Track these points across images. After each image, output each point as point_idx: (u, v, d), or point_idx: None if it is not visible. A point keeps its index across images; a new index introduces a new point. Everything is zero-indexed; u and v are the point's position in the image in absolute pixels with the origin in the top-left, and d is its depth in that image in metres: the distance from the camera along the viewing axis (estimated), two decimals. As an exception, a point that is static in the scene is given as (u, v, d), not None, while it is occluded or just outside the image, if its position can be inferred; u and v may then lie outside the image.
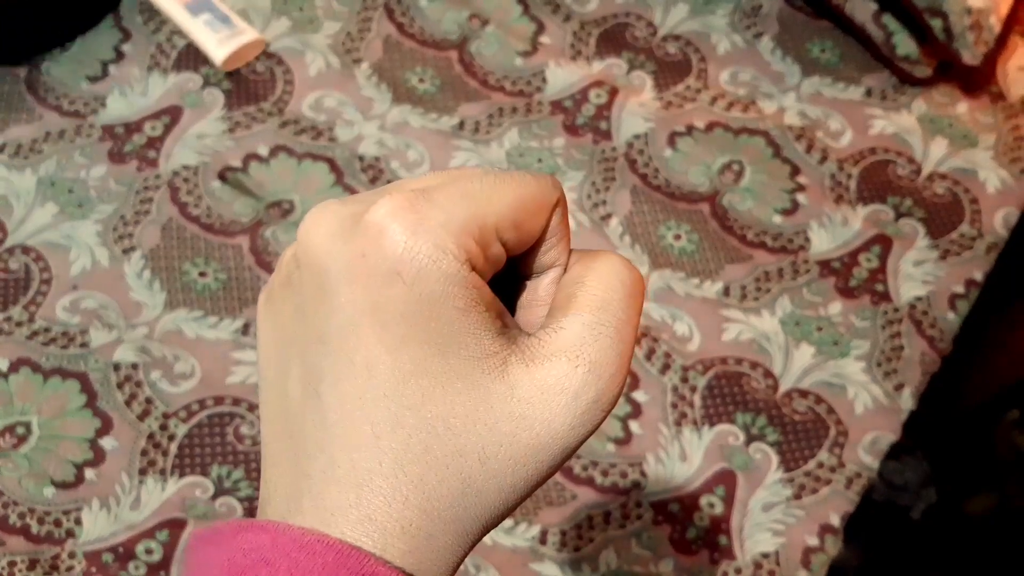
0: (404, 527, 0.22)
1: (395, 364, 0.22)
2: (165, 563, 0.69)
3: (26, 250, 0.81)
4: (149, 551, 0.70)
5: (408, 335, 0.22)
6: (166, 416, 0.74)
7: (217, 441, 0.74)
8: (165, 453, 0.73)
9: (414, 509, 0.22)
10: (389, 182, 0.86)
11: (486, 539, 0.71)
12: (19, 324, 0.77)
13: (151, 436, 0.73)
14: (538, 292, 0.26)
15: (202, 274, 0.80)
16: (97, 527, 0.70)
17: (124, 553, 0.69)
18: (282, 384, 0.25)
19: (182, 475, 0.72)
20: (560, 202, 0.25)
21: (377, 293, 0.22)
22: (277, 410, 0.25)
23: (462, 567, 0.69)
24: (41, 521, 0.70)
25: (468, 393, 0.23)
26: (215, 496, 0.72)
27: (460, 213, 0.23)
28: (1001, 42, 0.93)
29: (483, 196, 0.23)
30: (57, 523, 0.70)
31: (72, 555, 0.69)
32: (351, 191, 0.85)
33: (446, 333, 0.23)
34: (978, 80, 0.94)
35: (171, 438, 0.73)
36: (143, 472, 0.72)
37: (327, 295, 0.23)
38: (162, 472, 0.72)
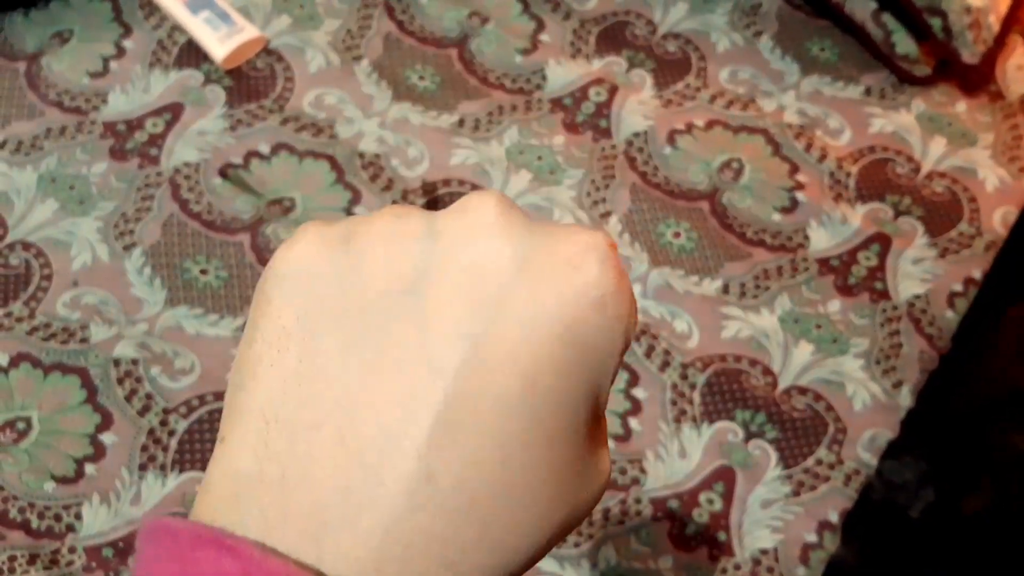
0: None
1: (553, 386, 0.21)
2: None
3: (27, 246, 0.81)
4: (149, 546, 0.70)
5: (580, 368, 0.21)
6: (166, 412, 0.74)
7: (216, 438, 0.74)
8: (165, 449, 0.73)
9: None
10: (390, 180, 0.86)
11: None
12: (19, 320, 0.77)
13: (151, 432, 0.74)
14: None
15: (203, 271, 0.80)
16: (97, 522, 0.71)
17: (124, 548, 0.70)
18: (350, 333, 0.21)
19: (182, 470, 0.72)
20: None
21: (573, 308, 0.21)
22: (291, 381, 0.21)
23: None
24: (41, 516, 0.71)
25: (574, 463, 0.22)
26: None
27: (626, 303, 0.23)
28: (1000, 41, 0.93)
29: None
30: (57, 518, 0.71)
31: (72, 550, 0.70)
32: (352, 189, 0.85)
33: (599, 391, 0.22)
34: (977, 79, 0.95)
35: (171, 434, 0.74)
36: (143, 467, 0.72)
37: (505, 284, 0.21)
38: (162, 467, 0.72)
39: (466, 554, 0.20)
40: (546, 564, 0.71)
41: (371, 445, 0.20)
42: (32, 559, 0.69)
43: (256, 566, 0.19)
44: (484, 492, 0.20)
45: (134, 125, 0.87)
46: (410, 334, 0.20)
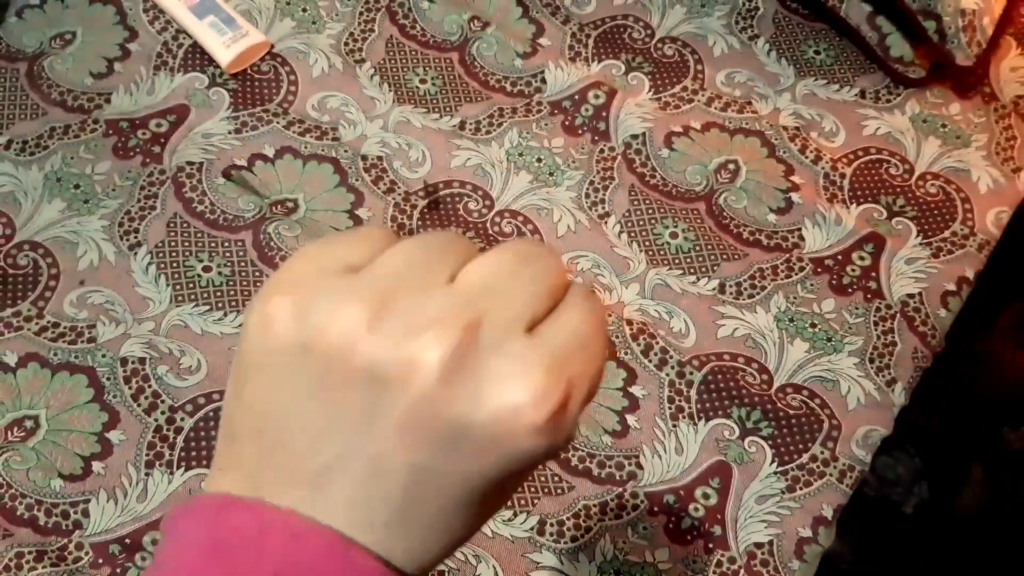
0: (389, 519, 0.24)
1: (484, 491, 0.25)
2: (171, 554, 0.70)
3: (34, 246, 0.82)
4: (156, 542, 0.71)
5: (509, 480, 0.25)
6: (172, 410, 0.76)
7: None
8: (172, 446, 0.74)
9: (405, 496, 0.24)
10: (392, 182, 0.87)
11: (485, 530, 0.72)
12: (28, 319, 0.79)
13: (158, 429, 0.75)
14: None
15: (206, 268, 0.82)
16: (104, 519, 0.72)
17: (131, 544, 0.71)
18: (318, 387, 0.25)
19: (188, 468, 0.74)
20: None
21: (503, 464, 0.24)
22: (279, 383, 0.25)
23: (459, 554, 0.70)
24: (49, 513, 0.71)
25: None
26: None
27: (583, 364, 0.25)
28: (994, 43, 0.94)
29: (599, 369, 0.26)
30: (65, 515, 0.72)
31: (79, 546, 0.71)
32: (355, 192, 0.87)
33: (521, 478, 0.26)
34: (971, 81, 0.96)
35: (178, 431, 0.75)
36: (150, 465, 0.73)
37: (439, 441, 0.24)
38: (169, 465, 0.74)
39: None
40: (544, 558, 0.72)
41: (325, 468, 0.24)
42: (40, 555, 0.70)
43: (268, 515, 0.23)
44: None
45: (137, 123, 0.88)
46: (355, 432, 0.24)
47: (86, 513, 0.72)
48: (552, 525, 0.73)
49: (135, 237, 0.83)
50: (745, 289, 0.83)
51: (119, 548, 0.71)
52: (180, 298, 0.80)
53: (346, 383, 0.23)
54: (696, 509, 0.74)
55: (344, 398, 0.23)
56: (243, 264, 0.82)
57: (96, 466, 0.73)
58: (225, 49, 0.91)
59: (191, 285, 0.81)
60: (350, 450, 0.24)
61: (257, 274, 0.82)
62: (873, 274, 0.84)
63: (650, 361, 0.79)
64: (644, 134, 0.91)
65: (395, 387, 0.23)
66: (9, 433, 0.74)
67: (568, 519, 0.73)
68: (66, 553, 0.70)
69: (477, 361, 0.23)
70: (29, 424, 0.74)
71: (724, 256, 0.85)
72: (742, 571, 0.72)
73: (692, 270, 0.84)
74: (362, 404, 0.23)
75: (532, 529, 0.73)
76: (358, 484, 0.24)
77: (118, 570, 0.70)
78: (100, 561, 0.70)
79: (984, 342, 1.09)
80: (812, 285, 0.84)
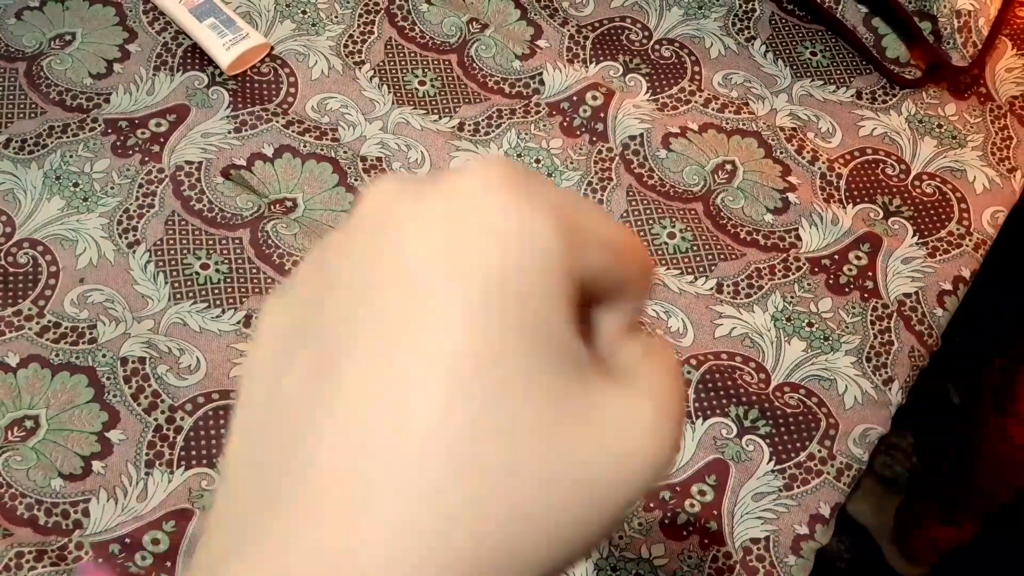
0: None
1: (476, 351, 0.17)
2: (172, 553, 0.71)
3: (34, 243, 0.83)
4: (156, 541, 0.71)
5: (501, 318, 0.17)
6: (172, 409, 0.76)
7: (223, 434, 0.75)
8: (172, 446, 0.75)
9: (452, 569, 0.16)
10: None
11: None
12: (29, 319, 0.79)
13: (158, 429, 0.75)
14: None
15: (204, 266, 0.82)
16: (104, 518, 0.72)
17: (131, 543, 0.71)
18: (274, 382, 0.19)
19: (188, 467, 0.74)
20: (648, 270, 0.22)
21: (469, 262, 0.17)
22: (256, 422, 0.19)
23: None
24: (49, 512, 0.72)
25: (554, 402, 0.17)
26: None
27: (569, 200, 0.19)
28: (989, 44, 0.95)
29: (585, 203, 0.20)
30: (65, 514, 0.72)
31: (79, 546, 0.71)
32: (354, 192, 0.87)
33: (544, 328, 0.18)
34: (967, 82, 0.96)
35: (178, 431, 0.75)
36: (150, 464, 0.74)
37: (384, 254, 0.18)
38: (169, 464, 0.74)
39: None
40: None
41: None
42: (40, 555, 0.70)
43: None
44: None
45: (137, 123, 0.89)
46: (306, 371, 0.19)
47: (86, 513, 0.72)
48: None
49: (134, 235, 0.83)
50: (743, 289, 0.84)
51: (119, 548, 0.71)
52: (179, 296, 0.81)
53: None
54: (692, 505, 0.74)
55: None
56: (240, 262, 0.83)
57: (96, 465, 0.73)
58: (225, 51, 0.91)
59: (189, 283, 0.81)
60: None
61: (255, 271, 0.82)
62: (870, 273, 0.85)
63: (648, 360, 0.80)
64: (642, 135, 0.91)
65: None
66: (9, 433, 0.74)
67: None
68: (66, 552, 0.71)
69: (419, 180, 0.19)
70: (29, 424, 0.75)
71: (721, 256, 0.86)
72: (738, 566, 0.72)
73: (690, 270, 0.85)
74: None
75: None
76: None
77: (117, 570, 0.70)
78: (100, 560, 0.70)
79: (981, 342, 1.09)
80: (809, 284, 0.84)
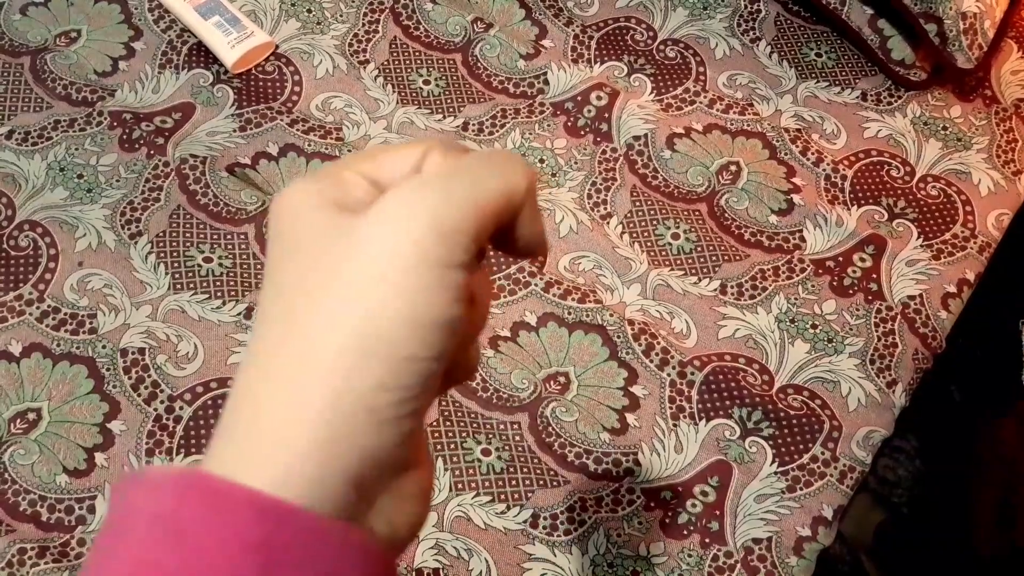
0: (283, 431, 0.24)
1: (270, 278, 0.26)
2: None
3: (33, 225, 0.83)
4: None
5: (280, 253, 0.25)
6: (171, 399, 0.76)
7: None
8: (171, 435, 0.75)
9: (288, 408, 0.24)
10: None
11: (478, 522, 0.73)
12: (29, 303, 0.79)
13: (158, 418, 0.75)
14: None
15: (207, 259, 0.82)
16: (108, 514, 0.72)
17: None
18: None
19: (188, 454, 0.74)
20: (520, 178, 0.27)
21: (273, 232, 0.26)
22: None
23: (452, 550, 0.70)
24: (52, 509, 0.72)
25: (319, 259, 0.25)
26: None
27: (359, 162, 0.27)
28: (995, 46, 0.94)
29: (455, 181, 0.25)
30: (69, 510, 0.72)
31: (81, 542, 0.71)
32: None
33: (301, 236, 0.25)
34: (972, 84, 0.96)
35: (177, 420, 0.75)
36: (150, 453, 0.74)
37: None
38: (168, 452, 0.74)
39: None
40: (537, 550, 0.72)
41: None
42: (42, 551, 0.70)
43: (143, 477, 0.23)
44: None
45: (142, 117, 0.89)
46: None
47: (91, 509, 0.72)
48: (546, 518, 0.73)
49: (136, 227, 0.83)
50: (746, 290, 0.84)
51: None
52: (179, 286, 0.81)
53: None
54: (694, 505, 0.74)
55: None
56: (245, 256, 0.83)
57: (99, 458, 0.74)
58: (230, 49, 0.91)
59: (190, 274, 0.81)
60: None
61: (259, 267, 0.82)
62: (874, 275, 0.85)
63: (651, 361, 0.80)
64: (646, 135, 0.91)
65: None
66: (12, 425, 0.74)
67: (562, 512, 0.73)
68: (68, 549, 0.71)
69: None
70: (32, 416, 0.75)
71: (725, 257, 0.85)
72: (739, 566, 0.72)
73: (694, 271, 0.85)
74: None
75: (525, 522, 0.73)
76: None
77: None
78: (102, 556, 0.70)
79: (985, 344, 1.09)
80: (813, 286, 0.84)
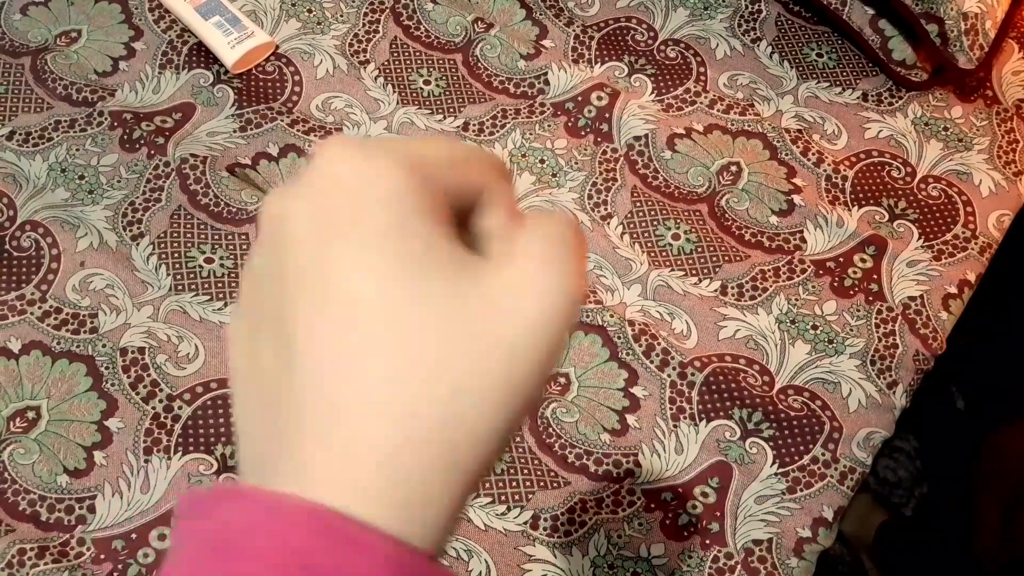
0: (388, 477, 0.21)
1: (377, 288, 0.22)
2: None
3: (35, 225, 0.83)
4: (163, 537, 0.71)
5: (385, 254, 0.22)
6: (171, 398, 0.76)
7: (221, 422, 0.76)
8: (169, 433, 0.75)
9: (399, 453, 0.21)
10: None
11: (478, 523, 0.73)
12: (31, 303, 0.79)
13: (156, 416, 0.75)
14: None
15: (208, 260, 0.82)
16: (112, 513, 0.72)
17: (137, 539, 0.71)
18: (253, 350, 0.24)
19: (185, 452, 0.74)
20: (500, 170, 0.26)
21: (342, 219, 0.22)
22: (249, 380, 0.24)
23: (452, 551, 0.70)
24: (51, 509, 0.72)
25: (448, 306, 0.22)
26: (219, 472, 0.73)
27: (398, 146, 0.24)
28: (996, 47, 0.94)
29: (414, 141, 0.25)
30: (69, 510, 0.72)
31: (81, 542, 0.71)
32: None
33: (420, 246, 0.22)
34: (973, 84, 0.96)
35: (175, 419, 0.75)
36: (148, 451, 0.74)
37: (286, 238, 0.23)
38: (166, 450, 0.74)
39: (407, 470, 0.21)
40: (538, 551, 0.72)
41: (305, 418, 0.22)
42: (41, 552, 0.70)
43: (256, 499, 0.21)
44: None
45: (142, 116, 0.89)
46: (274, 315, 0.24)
47: (92, 509, 0.72)
48: (546, 519, 0.73)
49: (138, 228, 0.83)
50: (747, 291, 0.84)
51: (123, 543, 0.71)
52: (180, 287, 0.81)
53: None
54: (694, 506, 0.74)
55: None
56: (246, 257, 0.83)
57: (98, 456, 0.74)
58: (230, 49, 0.91)
59: (192, 275, 0.81)
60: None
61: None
62: (875, 276, 0.84)
63: (652, 362, 0.80)
64: (647, 136, 0.91)
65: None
66: (11, 424, 0.74)
67: (562, 513, 0.73)
68: (68, 549, 0.71)
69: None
70: (31, 415, 0.75)
71: (726, 258, 0.85)
72: (739, 567, 0.72)
73: (694, 271, 0.84)
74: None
75: (526, 523, 0.73)
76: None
77: (119, 566, 0.70)
78: (102, 557, 0.70)
79: (985, 346, 1.09)
80: (814, 287, 0.84)
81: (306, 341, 0.22)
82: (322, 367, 0.22)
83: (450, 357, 0.22)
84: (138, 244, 0.83)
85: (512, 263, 0.23)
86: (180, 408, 0.76)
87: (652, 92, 0.95)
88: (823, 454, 0.77)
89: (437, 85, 0.94)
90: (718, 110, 0.93)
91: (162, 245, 0.83)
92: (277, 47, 0.95)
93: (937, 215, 0.89)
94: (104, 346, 0.78)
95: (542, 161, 0.90)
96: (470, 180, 0.25)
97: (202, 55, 0.94)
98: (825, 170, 0.90)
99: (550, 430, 0.76)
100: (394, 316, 0.21)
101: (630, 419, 0.77)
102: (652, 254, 0.85)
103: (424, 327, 0.22)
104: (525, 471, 0.75)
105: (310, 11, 0.97)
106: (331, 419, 0.21)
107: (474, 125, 0.92)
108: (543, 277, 0.23)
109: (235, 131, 0.89)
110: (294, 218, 0.23)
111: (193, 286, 0.81)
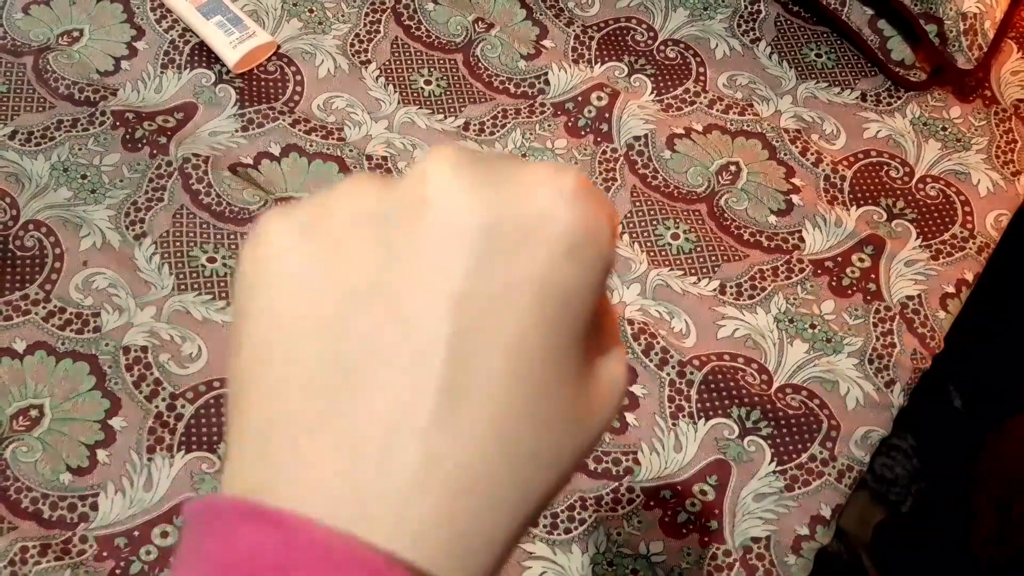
0: (451, 532, 0.20)
1: (545, 347, 0.21)
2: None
3: (38, 225, 0.83)
4: (165, 534, 0.72)
5: (566, 318, 0.21)
6: (173, 397, 0.76)
7: (224, 421, 0.76)
8: (172, 432, 0.75)
9: (465, 512, 0.20)
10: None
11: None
12: (36, 303, 0.80)
13: (159, 415, 0.76)
14: None
15: (211, 259, 0.83)
16: (114, 511, 0.72)
17: (140, 537, 0.71)
18: (331, 344, 0.21)
19: (188, 451, 0.74)
20: None
21: (549, 266, 0.20)
22: (311, 363, 0.21)
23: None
24: (53, 506, 0.72)
25: (579, 386, 0.22)
26: (221, 471, 0.74)
27: (613, 210, 0.22)
28: (995, 47, 0.95)
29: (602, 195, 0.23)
30: (71, 507, 0.72)
31: (83, 539, 0.71)
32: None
33: (586, 322, 0.22)
34: (971, 84, 0.96)
35: (178, 418, 0.76)
36: (151, 450, 0.74)
37: (474, 254, 0.20)
38: (169, 448, 0.74)
39: (478, 522, 0.20)
40: (537, 548, 0.72)
41: (370, 441, 0.20)
42: (44, 549, 0.70)
43: (298, 532, 0.19)
44: (489, 462, 0.20)
45: (144, 116, 0.90)
46: (387, 323, 0.20)
47: (94, 506, 0.72)
48: (545, 517, 0.74)
49: (140, 227, 0.84)
50: (745, 290, 0.84)
51: (125, 541, 0.71)
52: (183, 287, 0.81)
53: (348, 249, 0.21)
54: (693, 504, 0.75)
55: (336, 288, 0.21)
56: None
57: (101, 454, 0.74)
58: (232, 49, 0.92)
59: (194, 275, 0.82)
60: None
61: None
62: (873, 276, 0.85)
63: (651, 360, 0.80)
64: (646, 136, 0.92)
65: (412, 219, 0.20)
66: (15, 422, 0.75)
67: (562, 511, 0.74)
68: (70, 546, 0.71)
69: (494, 168, 0.21)
70: (34, 413, 0.75)
71: (725, 257, 0.86)
72: (737, 564, 0.72)
73: (693, 271, 0.85)
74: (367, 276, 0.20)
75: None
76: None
77: (122, 563, 0.70)
78: (104, 554, 0.71)
79: (984, 345, 1.09)
80: (812, 286, 0.84)
81: (444, 366, 0.20)
82: (445, 409, 0.20)
83: (554, 457, 0.22)
84: (141, 244, 0.83)
85: (598, 385, 0.23)
86: (183, 407, 0.76)
87: (652, 92, 0.95)
88: (821, 452, 0.77)
89: (438, 85, 0.94)
90: (717, 110, 0.94)
91: (164, 245, 0.83)
92: (279, 47, 0.95)
93: (935, 215, 0.89)
94: (107, 345, 0.78)
95: (542, 161, 0.90)
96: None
97: (204, 55, 0.94)
98: (824, 170, 0.90)
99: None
100: (540, 390, 0.21)
101: (629, 417, 0.78)
102: (651, 253, 0.86)
103: (552, 421, 0.21)
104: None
105: (311, 11, 0.98)
106: (423, 471, 0.20)
107: (474, 125, 0.92)
108: (623, 369, 0.24)
109: (237, 131, 0.90)
110: (501, 226, 0.21)
111: (196, 286, 0.81)
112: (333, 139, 0.90)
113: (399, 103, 0.93)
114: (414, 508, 0.19)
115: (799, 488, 0.76)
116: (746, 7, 1.01)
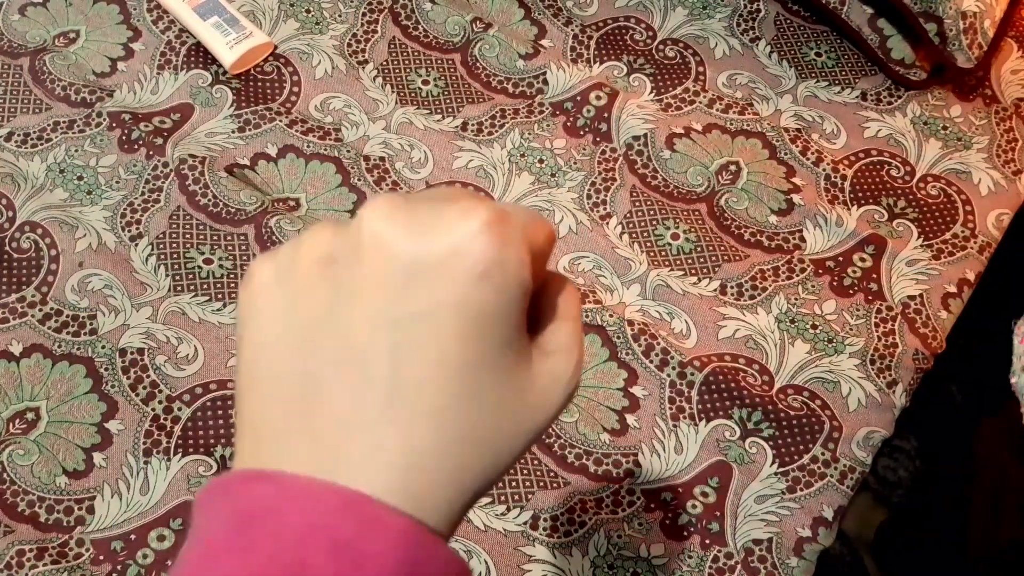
0: (421, 479, 0.25)
1: (465, 356, 0.25)
2: (175, 551, 0.71)
3: (34, 226, 0.83)
4: (162, 538, 0.71)
5: (483, 333, 0.25)
6: (170, 399, 0.76)
7: (221, 424, 0.76)
8: (169, 434, 0.75)
9: (440, 473, 0.25)
10: (395, 183, 0.88)
11: (478, 523, 0.73)
12: (32, 305, 0.79)
13: (156, 418, 0.75)
14: None
15: (207, 261, 0.82)
16: (111, 514, 0.72)
17: (136, 540, 0.71)
18: (300, 362, 0.26)
19: (185, 454, 0.74)
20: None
21: (464, 291, 0.25)
22: (288, 377, 0.27)
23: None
24: (50, 509, 0.72)
25: (510, 383, 0.27)
26: (218, 474, 0.73)
27: (529, 234, 0.27)
28: (995, 46, 0.94)
29: (533, 224, 0.27)
30: (68, 511, 0.72)
31: (80, 543, 0.71)
32: (357, 191, 0.87)
33: (508, 334, 0.26)
34: (972, 83, 0.96)
35: (175, 421, 0.75)
36: (147, 453, 0.74)
37: (402, 286, 0.25)
38: (166, 452, 0.74)
39: (420, 488, 0.25)
40: (537, 551, 0.72)
41: (332, 434, 0.26)
42: (40, 553, 0.70)
43: (287, 481, 0.24)
44: (424, 444, 0.25)
45: (140, 117, 0.89)
46: (341, 346, 0.26)
47: (91, 510, 0.72)
48: (546, 519, 0.73)
49: (136, 229, 0.83)
50: (746, 290, 0.83)
51: (122, 544, 0.71)
52: (179, 288, 0.81)
53: (309, 287, 0.26)
54: (694, 506, 0.74)
55: (309, 310, 0.26)
56: (245, 258, 0.83)
57: (97, 458, 0.74)
58: (228, 50, 0.91)
59: (191, 276, 0.81)
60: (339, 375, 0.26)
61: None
62: (874, 275, 0.84)
63: (651, 362, 0.79)
64: (646, 135, 0.91)
65: (354, 261, 0.26)
66: (11, 425, 0.74)
67: (562, 514, 0.73)
68: (67, 550, 0.71)
69: (418, 211, 0.26)
70: (31, 416, 0.75)
71: (725, 257, 0.85)
72: (739, 567, 0.72)
73: (693, 271, 0.84)
74: (326, 302, 0.26)
75: (525, 523, 0.73)
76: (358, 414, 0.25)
77: (118, 567, 0.70)
78: (101, 558, 0.70)
79: (985, 344, 1.09)
80: (813, 286, 0.84)
81: (393, 380, 0.25)
82: (401, 406, 0.25)
83: (491, 437, 0.26)
84: (137, 245, 0.83)
85: (549, 357, 0.28)
86: (180, 409, 0.76)
87: (651, 92, 0.95)
88: (823, 453, 0.76)
89: (436, 85, 0.94)
90: (717, 109, 0.93)
91: (161, 246, 0.83)
92: (275, 47, 0.95)
93: (936, 214, 0.88)
94: (103, 347, 0.78)
95: (541, 161, 0.90)
96: (541, 273, 0.29)
97: (200, 56, 0.94)
98: (824, 169, 0.90)
99: (549, 430, 0.76)
100: (465, 390, 0.26)
101: (630, 419, 0.77)
102: (651, 254, 0.85)
103: (481, 411, 0.26)
104: (524, 471, 0.75)
105: (308, 11, 0.97)
106: (378, 431, 0.25)
107: (473, 125, 0.92)
108: (569, 367, 0.28)
109: (234, 131, 0.89)
110: (423, 261, 0.25)
111: (192, 287, 0.81)
112: (330, 140, 0.90)
113: (397, 103, 0.92)
114: (365, 483, 0.25)
115: (801, 490, 0.75)
116: (745, 6, 1.01)
